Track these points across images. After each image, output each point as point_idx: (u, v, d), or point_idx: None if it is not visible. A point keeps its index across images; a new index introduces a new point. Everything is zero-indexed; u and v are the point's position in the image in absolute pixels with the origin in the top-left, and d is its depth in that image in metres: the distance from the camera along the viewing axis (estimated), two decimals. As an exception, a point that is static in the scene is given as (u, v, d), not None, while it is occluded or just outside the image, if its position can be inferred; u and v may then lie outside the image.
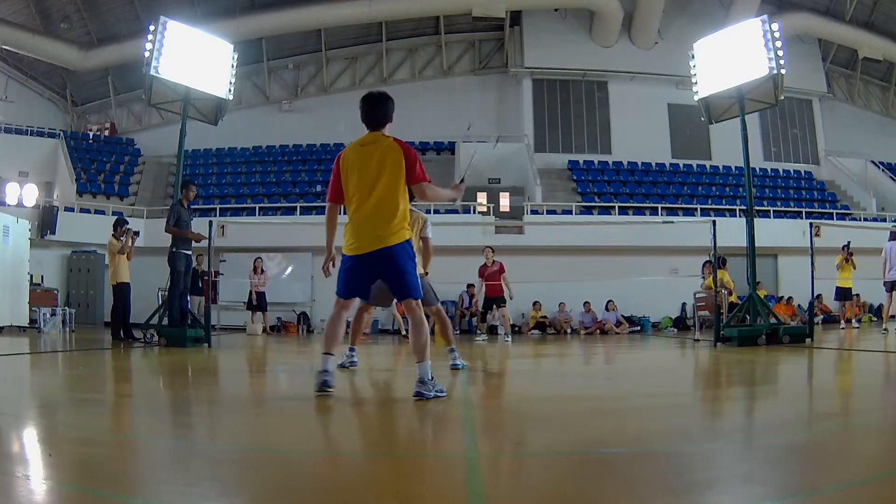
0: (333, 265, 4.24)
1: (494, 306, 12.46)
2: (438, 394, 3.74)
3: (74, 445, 2.66)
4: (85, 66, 21.12)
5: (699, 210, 18.12)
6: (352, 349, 5.92)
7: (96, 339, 10.91)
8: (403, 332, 12.26)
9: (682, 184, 20.84)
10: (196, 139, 17.95)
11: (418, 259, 5.31)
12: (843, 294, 13.08)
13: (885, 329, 10.51)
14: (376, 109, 3.98)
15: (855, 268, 12.81)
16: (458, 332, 15.73)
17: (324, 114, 22.82)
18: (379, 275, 3.97)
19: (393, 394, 4.88)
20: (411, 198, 4.01)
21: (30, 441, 2.74)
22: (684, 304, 16.57)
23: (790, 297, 16.74)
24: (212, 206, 18.42)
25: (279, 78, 23.43)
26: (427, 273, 5.97)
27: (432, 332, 5.97)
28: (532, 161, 19.85)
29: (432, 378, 3.76)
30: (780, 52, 8.79)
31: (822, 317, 16.23)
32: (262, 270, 14.65)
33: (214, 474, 2.25)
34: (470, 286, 16.03)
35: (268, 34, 21.60)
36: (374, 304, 5.58)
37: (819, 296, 15.78)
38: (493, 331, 14.81)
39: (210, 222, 9.65)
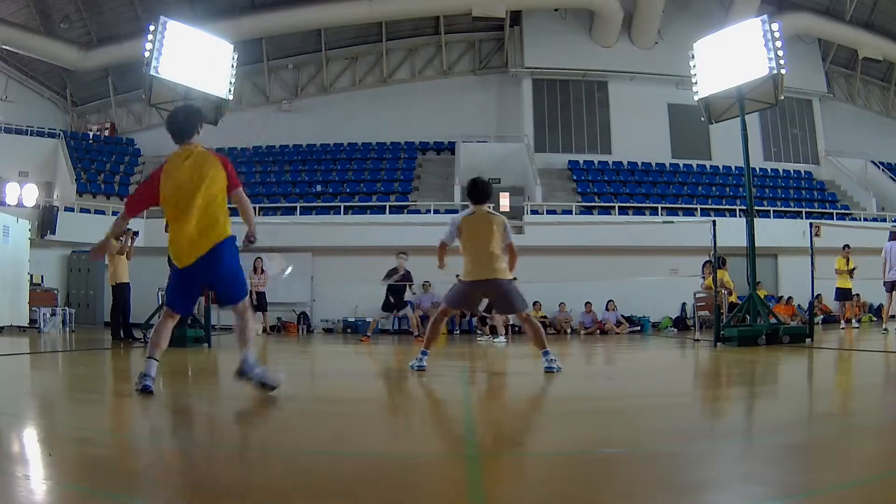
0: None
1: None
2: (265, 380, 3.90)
3: (74, 445, 2.66)
4: (85, 66, 21.11)
5: (699, 210, 18.12)
6: (424, 352, 5.62)
7: (96, 339, 10.91)
8: (416, 333, 12.28)
9: (682, 184, 20.84)
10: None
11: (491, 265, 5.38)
12: (843, 294, 13.08)
13: (885, 329, 10.51)
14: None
15: (854, 268, 12.80)
16: (457, 332, 15.76)
17: (324, 114, 22.83)
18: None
19: (397, 393, 4.89)
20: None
21: (30, 441, 2.74)
22: (684, 304, 16.57)
23: (790, 297, 16.74)
24: (212, 206, 18.40)
25: (279, 78, 23.43)
26: (515, 278, 5.83)
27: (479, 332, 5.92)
28: (532, 161, 19.85)
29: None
30: (780, 52, 8.78)
31: (821, 317, 16.23)
32: (262, 270, 14.65)
33: (214, 474, 2.25)
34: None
35: (268, 34, 21.60)
36: (458, 308, 5.66)
37: (819, 296, 15.79)
38: (493, 331, 14.81)
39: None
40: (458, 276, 5.75)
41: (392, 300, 11.91)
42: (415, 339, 11.88)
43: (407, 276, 12.05)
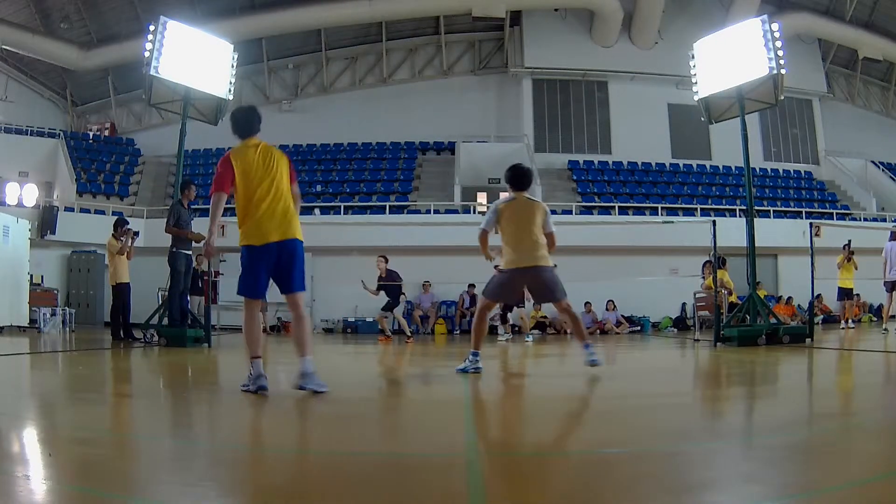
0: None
1: (515, 307, 12.40)
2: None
3: (74, 445, 2.66)
4: (85, 66, 21.12)
5: (699, 210, 18.12)
6: (475, 353, 5.36)
7: (96, 339, 10.91)
8: (408, 334, 12.28)
9: (682, 184, 20.85)
10: (196, 139, 17.92)
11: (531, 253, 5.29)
12: (845, 294, 13.07)
13: (886, 329, 10.51)
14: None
15: (857, 268, 12.80)
16: (458, 332, 15.77)
17: (324, 114, 22.84)
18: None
19: (399, 393, 4.89)
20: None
21: (30, 441, 2.74)
22: (684, 304, 16.57)
23: (790, 297, 16.74)
24: (212, 206, 18.40)
25: (279, 78, 23.43)
26: (556, 265, 5.66)
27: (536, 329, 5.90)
28: (532, 161, 19.84)
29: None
30: (780, 52, 8.78)
31: (821, 317, 16.23)
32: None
33: (214, 474, 2.25)
34: (470, 286, 16.02)
35: (268, 34, 21.60)
36: (498, 301, 5.51)
37: (819, 296, 15.79)
38: (493, 331, 14.80)
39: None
40: (496, 266, 5.52)
41: (388, 300, 11.90)
42: (406, 340, 11.90)
43: (392, 276, 11.84)
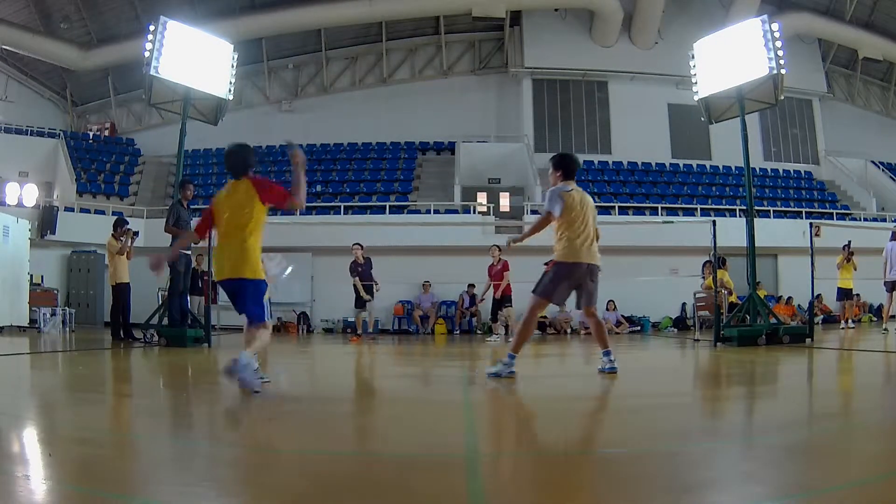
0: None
1: (503, 307, 12.38)
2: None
3: (74, 445, 2.66)
4: (85, 66, 21.11)
5: (699, 210, 18.12)
6: (512, 356, 5.07)
7: (96, 339, 10.91)
8: (358, 332, 12.37)
9: (682, 184, 20.84)
10: (196, 139, 17.93)
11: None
12: (845, 294, 13.07)
13: (885, 329, 10.51)
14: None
15: (856, 268, 12.80)
16: (457, 332, 15.76)
17: (324, 114, 22.83)
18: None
19: (399, 393, 4.89)
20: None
21: (30, 441, 2.74)
22: (684, 304, 16.57)
23: (790, 297, 16.74)
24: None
25: (279, 78, 23.43)
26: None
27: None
28: (532, 161, 19.85)
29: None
30: (780, 52, 8.78)
31: (821, 317, 16.23)
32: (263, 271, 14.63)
33: (214, 474, 2.25)
34: (470, 286, 16.02)
35: (268, 34, 21.59)
36: (551, 300, 5.16)
37: (819, 296, 15.79)
38: (493, 330, 14.79)
39: (210, 222, 9.63)
40: (547, 263, 5.18)
41: (357, 296, 12.02)
42: (352, 338, 11.96)
43: (367, 265, 12.07)
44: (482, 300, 12.78)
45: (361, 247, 12.11)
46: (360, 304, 12.06)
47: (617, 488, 2.04)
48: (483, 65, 23.38)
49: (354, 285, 11.89)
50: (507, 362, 4.98)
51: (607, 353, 5.20)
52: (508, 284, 12.04)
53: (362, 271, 11.97)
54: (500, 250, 12.24)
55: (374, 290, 12.14)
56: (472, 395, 4.45)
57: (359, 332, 12.44)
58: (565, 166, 5.27)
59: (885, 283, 11.22)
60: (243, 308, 4.29)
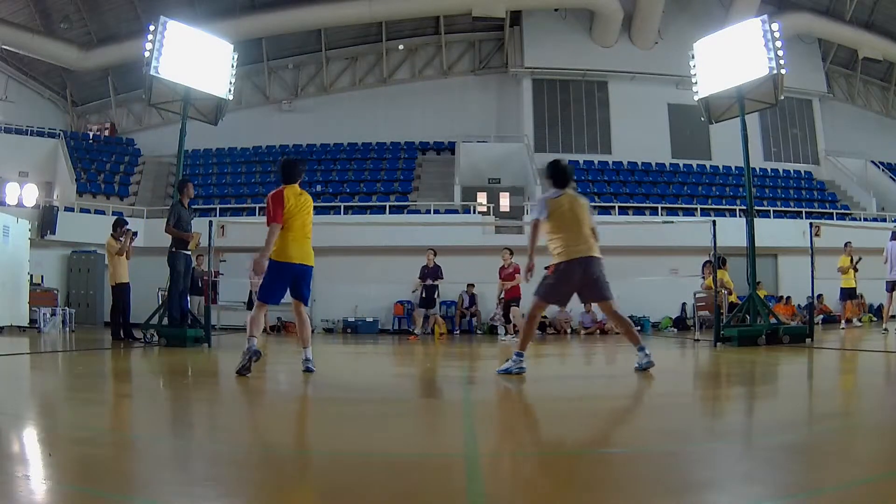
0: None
1: (511, 307, 12.47)
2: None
3: (74, 445, 2.66)
4: (85, 66, 21.12)
5: (699, 210, 18.12)
6: (520, 353, 5.26)
7: (96, 339, 10.90)
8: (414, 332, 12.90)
9: (682, 184, 20.84)
10: (196, 139, 17.95)
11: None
12: (848, 294, 12.97)
13: (885, 329, 10.51)
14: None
15: (857, 270, 12.80)
16: (457, 331, 15.76)
17: (324, 114, 22.84)
18: None
19: (399, 393, 4.88)
20: None
21: (30, 441, 2.74)
22: (684, 304, 16.57)
23: (788, 297, 16.75)
24: (212, 206, 18.41)
25: (279, 78, 23.43)
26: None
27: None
28: (532, 161, 19.85)
29: None
30: (780, 52, 8.78)
31: (821, 316, 16.23)
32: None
33: (214, 474, 2.25)
34: (470, 286, 16.02)
35: (268, 34, 21.60)
36: (550, 301, 5.49)
37: (820, 296, 15.79)
38: (493, 330, 14.79)
39: (210, 222, 9.65)
40: (547, 267, 5.41)
41: (423, 297, 13.02)
42: (410, 336, 12.31)
43: (436, 272, 12.95)
44: (499, 303, 12.97)
45: (434, 252, 12.98)
46: (425, 304, 13.15)
47: (617, 488, 2.04)
48: (483, 65, 23.39)
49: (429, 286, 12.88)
50: (515, 359, 5.22)
51: (642, 349, 5.28)
52: (517, 286, 12.13)
53: (427, 275, 12.89)
54: (511, 254, 12.33)
55: (435, 296, 13.29)
56: (471, 395, 4.45)
57: (416, 331, 13.37)
58: (553, 175, 5.57)
59: (887, 282, 11.21)
60: (306, 291, 5.50)
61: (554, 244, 5.37)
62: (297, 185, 5.44)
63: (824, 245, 10.63)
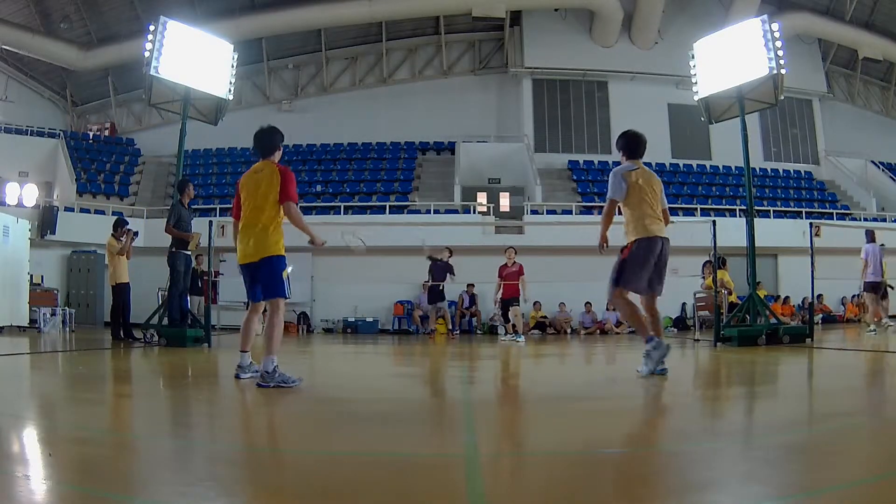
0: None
1: (509, 306, 12.44)
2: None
3: (74, 445, 2.66)
4: (85, 66, 21.11)
5: (699, 210, 18.12)
6: (650, 339, 4.86)
7: (96, 339, 10.91)
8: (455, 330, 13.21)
9: (682, 184, 20.84)
10: (196, 139, 17.95)
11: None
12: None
13: (873, 329, 10.56)
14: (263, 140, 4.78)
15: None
16: (457, 331, 15.76)
17: (324, 114, 22.83)
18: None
19: (399, 393, 4.88)
20: None
21: (30, 441, 2.74)
22: (684, 304, 16.57)
23: (787, 297, 16.76)
24: (212, 206, 18.41)
25: (279, 78, 23.43)
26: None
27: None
28: (532, 161, 19.86)
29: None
30: (780, 52, 8.79)
31: (821, 316, 16.24)
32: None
33: (214, 474, 2.25)
34: (470, 286, 16.02)
35: (268, 34, 21.60)
36: (635, 285, 4.96)
37: (820, 296, 15.80)
38: (493, 330, 14.80)
39: (210, 222, 9.66)
40: (623, 248, 4.95)
41: (433, 293, 13.21)
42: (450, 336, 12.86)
43: (446, 267, 13.10)
44: (497, 302, 12.90)
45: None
46: (435, 299, 13.58)
47: (617, 488, 2.04)
48: (483, 65, 23.38)
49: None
50: (649, 350, 4.73)
51: (651, 340, 4.87)
52: (516, 286, 12.08)
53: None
54: (515, 252, 12.28)
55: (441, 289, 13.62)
56: (472, 395, 4.45)
57: (431, 327, 14.03)
58: (627, 146, 5.23)
59: (866, 283, 11.15)
60: (257, 288, 4.94)
61: (633, 222, 4.93)
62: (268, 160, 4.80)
63: (824, 245, 10.64)
